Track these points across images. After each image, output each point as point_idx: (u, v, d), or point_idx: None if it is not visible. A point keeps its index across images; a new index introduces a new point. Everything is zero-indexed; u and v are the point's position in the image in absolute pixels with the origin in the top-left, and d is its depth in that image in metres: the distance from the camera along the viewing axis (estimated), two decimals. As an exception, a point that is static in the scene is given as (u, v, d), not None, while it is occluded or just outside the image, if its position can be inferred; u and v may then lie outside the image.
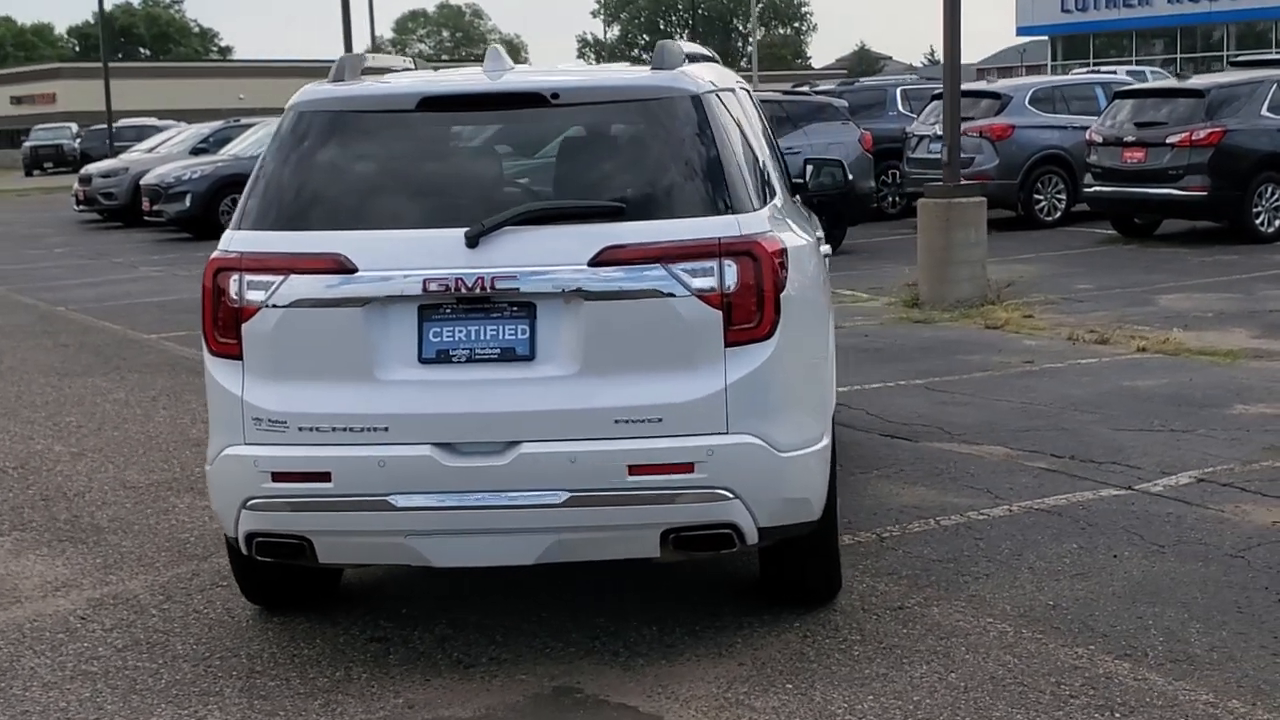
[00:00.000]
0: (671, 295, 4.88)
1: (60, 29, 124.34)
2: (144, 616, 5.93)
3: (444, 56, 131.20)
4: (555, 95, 5.16)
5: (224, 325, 5.06)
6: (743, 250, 4.94)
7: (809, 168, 7.79)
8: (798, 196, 7.90)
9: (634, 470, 4.87)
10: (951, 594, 5.88)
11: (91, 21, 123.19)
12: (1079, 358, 11.01)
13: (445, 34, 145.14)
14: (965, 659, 5.23)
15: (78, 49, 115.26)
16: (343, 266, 4.93)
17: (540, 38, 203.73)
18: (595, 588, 6.00)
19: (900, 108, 23.38)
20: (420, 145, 5.19)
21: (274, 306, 4.97)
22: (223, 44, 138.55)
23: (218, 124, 31.91)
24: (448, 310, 4.94)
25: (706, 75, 5.55)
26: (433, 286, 4.88)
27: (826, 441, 5.39)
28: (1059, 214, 20.70)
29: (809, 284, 5.40)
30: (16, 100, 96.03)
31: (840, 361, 11.10)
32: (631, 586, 6.02)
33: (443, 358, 4.93)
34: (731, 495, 4.94)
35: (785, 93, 21.12)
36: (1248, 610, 5.61)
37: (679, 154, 5.09)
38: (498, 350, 4.92)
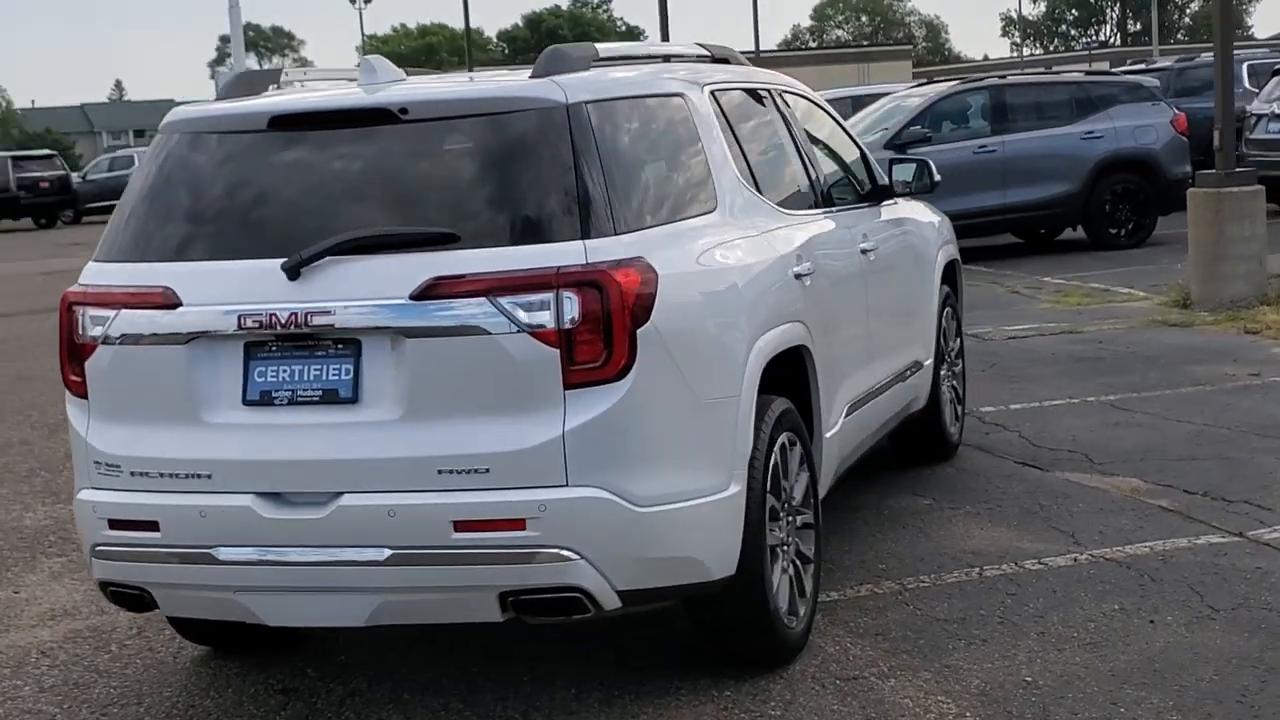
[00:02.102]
0: (499, 332, 4.39)
1: (490, 33, 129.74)
2: (98, 654, 5.82)
3: (865, 43, 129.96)
4: (404, 110, 4.73)
5: (74, 362, 4.87)
6: (586, 280, 4.39)
7: (894, 169, 7.14)
8: (896, 199, 7.25)
9: (460, 526, 4.41)
10: (926, 663, 5.16)
11: (520, 24, 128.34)
12: (1318, 370, 9.73)
13: (864, 19, 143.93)
14: (873, 747, 4.54)
15: (506, 51, 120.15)
16: (168, 301, 4.66)
17: (962, 19, 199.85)
18: (542, 638, 5.54)
19: (1246, 84, 21.49)
20: (266, 168, 4.84)
21: (109, 343, 4.75)
22: (646, 42, 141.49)
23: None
24: (273, 348, 4.60)
25: (613, 79, 5.01)
26: (248, 322, 4.55)
27: (731, 491, 4.76)
28: None
29: (704, 316, 4.78)
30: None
31: (1044, 373, 10.28)
32: (581, 638, 5.53)
33: (266, 399, 4.59)
34: (574, 555, 4.41)
35: (1088, 72, 19.70)
36: (1252, 700, 4.69)
37: (534, 173, 4.58)
38: (320, 392, 4.55)
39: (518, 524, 4.39)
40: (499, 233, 4.53)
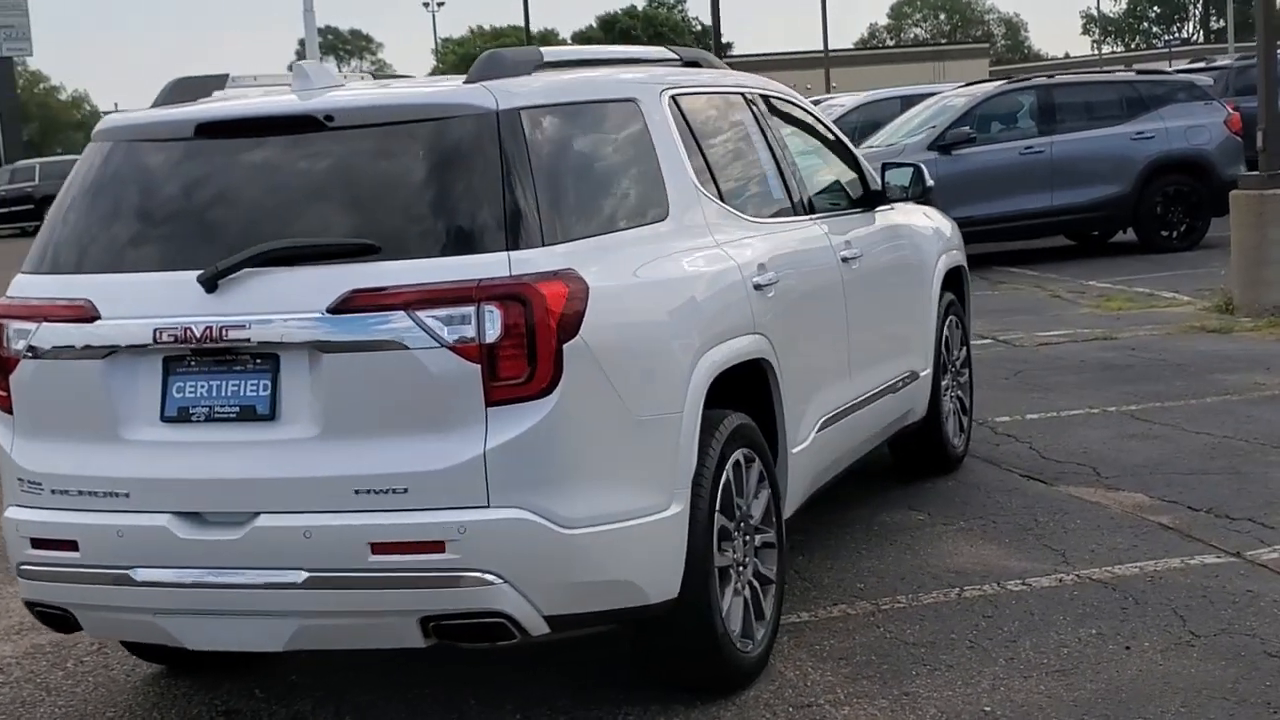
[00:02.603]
0: (419, 347, 4.23)
1: (565, 34, 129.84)
2: (53, 671, 5.73)
3: (942, 41, 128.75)
4: (330, 117, 4.58)
5: (0, 376, 4.77)
6: (509, 294, 4.23)
7: (887, 174, 6.94)
8: (893, 205, 7.06)
9: (377, 549, 4.26)
10: (884, 690, 4.96)
11: (594, 26, 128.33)
12: (1351, 379, 9.40)
13: (942, 17, 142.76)
14: (811, 780, 4.35)
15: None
16: (87, 314, 4.55)
17: (1042, 16, 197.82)
18: (489, 660, 5.38)
19: (1310, 82, 20.91)
20: (190, 177, 4.71)
21: (30, 357, 4.65)
22: (721, 41, 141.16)
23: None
24: (191, 363, 4.47)
25: (553, 85, 4.84)
26: (165, 336, 4.42)
27: (671, 512, 4.59)
28: None
29: (641, 329, 4.61)
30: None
31: (1068, 381, 10.00)
32: (530, 660, 5.36)
33: (184, 416, 4.47)
34: (497, 579, 4.25)
35: (1140, 71, 19.27)
36: (1216, 735, 4.46)
37: (462, 182, 4.42)
38: (237, 408, 4.41)
39: (437, 546, 4.24)
40: (424, 244, 4.38)
